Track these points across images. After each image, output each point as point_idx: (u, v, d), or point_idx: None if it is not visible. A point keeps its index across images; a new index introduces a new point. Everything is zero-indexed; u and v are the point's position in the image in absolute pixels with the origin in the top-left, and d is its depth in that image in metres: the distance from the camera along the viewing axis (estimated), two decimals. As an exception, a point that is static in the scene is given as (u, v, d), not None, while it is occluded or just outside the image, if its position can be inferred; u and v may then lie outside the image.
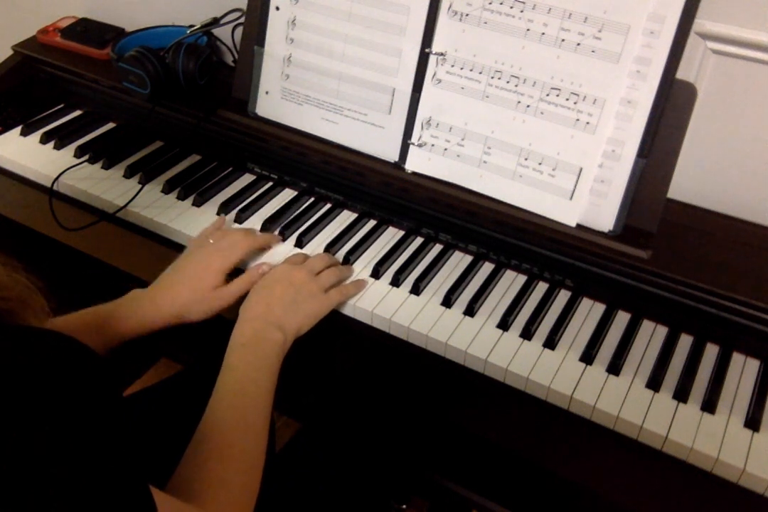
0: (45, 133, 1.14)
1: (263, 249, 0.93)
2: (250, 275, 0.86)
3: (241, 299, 0.84)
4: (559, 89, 0.83)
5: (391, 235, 0.97)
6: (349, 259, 0.92)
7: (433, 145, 0.92)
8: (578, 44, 0.80)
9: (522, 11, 0.82)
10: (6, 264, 0.53)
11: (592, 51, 0.80)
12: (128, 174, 1.06)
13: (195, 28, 1.10)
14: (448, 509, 1.14)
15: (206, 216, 0.99)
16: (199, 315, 0.84)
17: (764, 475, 0.69)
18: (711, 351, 0.82)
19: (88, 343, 0.77)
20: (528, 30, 0.82)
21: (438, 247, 0.95)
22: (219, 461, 0.66)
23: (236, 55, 1.13)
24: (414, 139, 0.93)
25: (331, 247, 0.94)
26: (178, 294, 0.83)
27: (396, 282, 0.89)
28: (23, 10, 1.44)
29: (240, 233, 0.92)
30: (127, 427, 0.49)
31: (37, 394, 0.43)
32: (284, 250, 0.94)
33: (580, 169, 0.84)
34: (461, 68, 0.87)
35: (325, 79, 0.97)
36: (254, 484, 0.68)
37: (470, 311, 0.85)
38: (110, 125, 1.19)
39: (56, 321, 0.78)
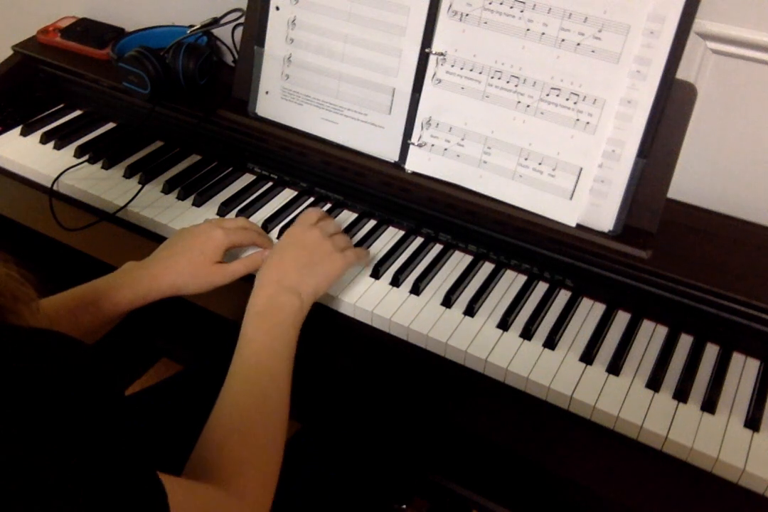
0: (45, 133, 1.14)
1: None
2: (252, 259, 0.85)
3: (237, 283, 0.84)
4: (559, 89, 0.83)
5: (391, 235, 0.97)
6: (349, 259, 0.92)
7: (433, 145, 0.92)
8: (578, 44, 0.80)
9: (522, 11, 0.82)
10: None
11: (592, 51, 0.80)
12: (128, 174, 1.06)
13: (195, 28, 1.10)
14: (448, 509, 1.14)
15: (206, 216, 0.99)
16: (194, 288, 0.83)
17: (764, 475, 0.69)
18: (711, 351, 0.82)
19: (85, 318, 0.77)
20: (528, 30, 0.82)
21: (438, 247, 0.95)
22: (238, 438, 0.65)
23: (236, 55, 1.13)
24: (414, 139, 0.93)
25: (331, 247, 0.94)
26: (176, 265, 0.82)
27: (396, 282, 0.89)
28: (23, 10, 1.44)
29: (247, 221, 0.93)
30: (129, 420, 0.49)
31: (41, 392, 0.43)
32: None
33: (580, 169, 0.84)
34: (461, 68, 0.87)
35: (325, 79, 0.97)
36: (276, 461, 0.66)
37: (470, 311, 0.85)
38: (110, 125, 1.19)
39: (51, 299, 0.77)
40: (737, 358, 0.81)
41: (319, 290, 0.81)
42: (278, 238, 0.96)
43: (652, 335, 0.84)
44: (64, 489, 0.41)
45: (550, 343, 0.82)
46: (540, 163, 0.86)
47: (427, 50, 0.89)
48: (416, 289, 0.88)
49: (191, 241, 0.84)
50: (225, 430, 0.66)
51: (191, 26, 1.11)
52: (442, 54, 0.88)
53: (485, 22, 0.84)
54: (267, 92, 1.02)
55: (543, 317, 0.85)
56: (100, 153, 1.10)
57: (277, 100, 1.02)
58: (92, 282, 0.81)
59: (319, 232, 0.84)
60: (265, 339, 0.74)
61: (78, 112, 1.22)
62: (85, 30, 1.24)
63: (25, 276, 0.53)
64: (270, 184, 1.06)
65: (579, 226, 0.86)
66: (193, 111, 1.06)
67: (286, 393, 0.72)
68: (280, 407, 0.70)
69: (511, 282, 0.90)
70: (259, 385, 0.70)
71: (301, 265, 0.80)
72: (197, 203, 1.02)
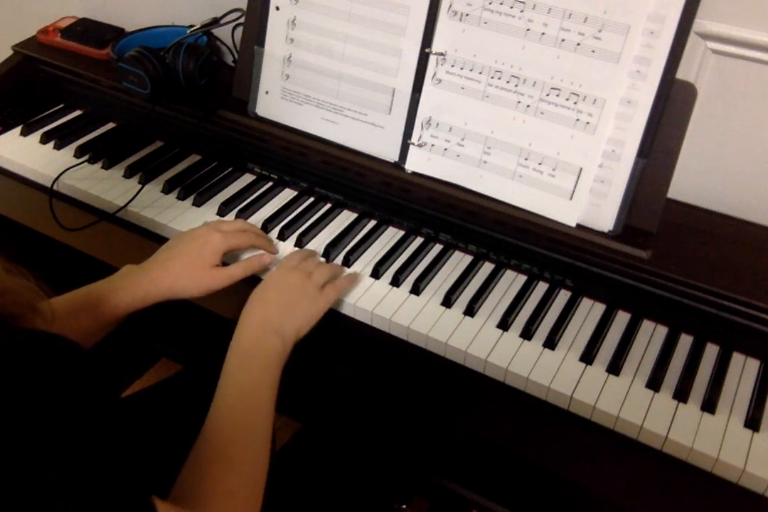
0: (45, 133, 1.14)
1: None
2: (251, 262, 0.86)
3: (236, 284, 0.84)
4: (559, 89, 0.83)
5: (391, 235, 0.97)
6: (349, 259, 0.92)
7: (433, 145, 0.92)
8: (578, 44, 0.80)
9: (522, 11, 0.82)
10: (14, 270, 0.53)
11: (592, 51, 0.80)
12: (128, 174, 1.06)
13: (195, 28, 1.10)
14: (448, 509, 1.14)
15: (206, 216, 0.99)
16: (192, 292, 0.83)
17: (764, 475, 0.69)
18: (711, 351, 0.82)
19: (84, 321, 0.78)
20: (528, 30, 0.82)
21: (438, 247, 0.95)
22: (222, 470, 0.66)
23: (236, 55, 1.13)
24: (414, 139, 0.93)
25: (332, 247, 0.93)
26: (174, 268, 0.82)
27: (396, 282, 0.89)
28: (23, 10, 1.44)
29: (246, 223, 0.92)
30: (124, 421, 0.50)
31: (39, 392, 0.44)
32: (284, 250, 0.94)
33: (580, 169, 0.84)
34: (461, 68, 0.87)
35: (325, 79, 0.97)
36: (258, 492, 0.67)
37: (470, 311, 0.85)
38: (110, 125, 1.19)
39: (51, 301, 0.77)
40: (737, 358, 0.81)
41: (300, 331, 0.81)
42: (278, 238, 0.96)
43: (652, 335, 0.84)
44: (64, 486, 0.41)
45: (550, 343, 0.82)
46: (540, 163, 0.86)
47: (427, 50, 0.89)
48: (416, 289, 0.88)
49: (189, 245, 0.85)
50: (209, 461, 0.66)
51: (191, 26, 1.11)
52: (442, 54, 0.88)
53: (485, 22, 0.84)
54: (267, 92, 1.02)
55: (543, 317, 0.85)
56: (100, 153, 1.10)
57: (277, 100, 1.02)
58: (91, 285, 0.81)
59: (299, 273, 0.84)
60: (248, 380, 0.74)
61: (78, 112, 1.22)
62: (85, 30, 1.24)
63: (43, 289, 0.54)
64: (270, 184, 1.06)
65: (579, 226, 0.86)
66: (193, 111, 1.06)
67: (268, 429, 0.72)
68: (263, 442, 0.71)
69: (511, 282, 0.90)
70: (241, 423, 0.70)
71: (283, 307, 0.80)
72: (197, 203, 1.01)
